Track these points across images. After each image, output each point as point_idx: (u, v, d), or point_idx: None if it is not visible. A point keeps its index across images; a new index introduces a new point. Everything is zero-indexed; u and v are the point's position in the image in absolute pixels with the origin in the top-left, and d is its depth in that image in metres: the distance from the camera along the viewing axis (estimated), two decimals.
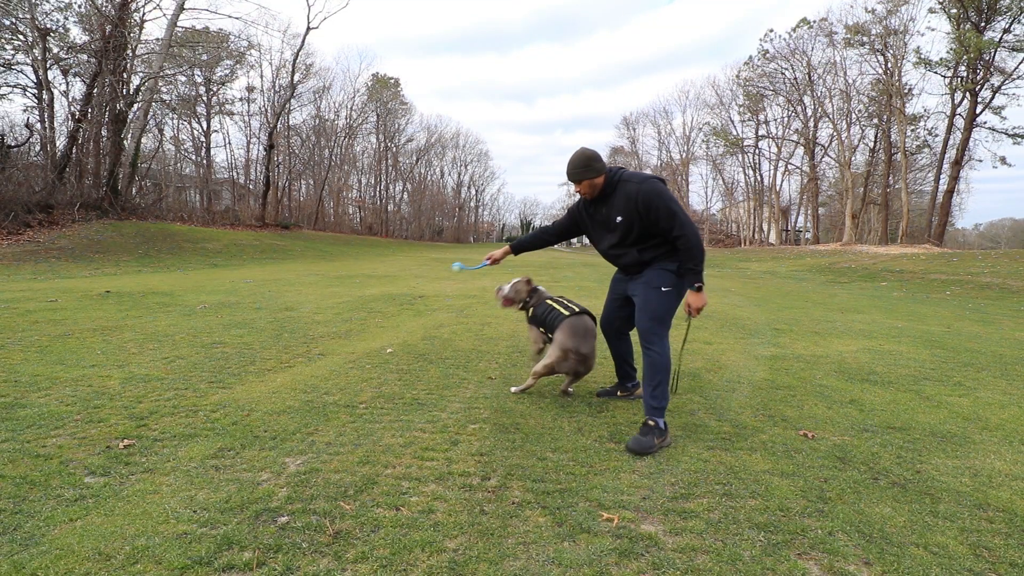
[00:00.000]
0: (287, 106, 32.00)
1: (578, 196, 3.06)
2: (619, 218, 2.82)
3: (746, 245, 42.44)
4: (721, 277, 16.53)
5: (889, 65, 30.00)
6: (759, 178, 43.70)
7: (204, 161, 33.21)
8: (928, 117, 31.27)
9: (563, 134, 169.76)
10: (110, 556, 1.67)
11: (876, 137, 34.42)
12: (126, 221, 18.67)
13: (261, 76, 40.16)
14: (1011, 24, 24.62)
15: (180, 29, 21.78)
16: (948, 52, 26.50)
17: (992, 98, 26.39)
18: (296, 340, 4.96)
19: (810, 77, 35.10)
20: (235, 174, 36.96)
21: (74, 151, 19.21)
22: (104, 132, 19.99)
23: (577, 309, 3.31)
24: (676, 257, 2.80)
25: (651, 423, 2.65)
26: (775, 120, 40.81)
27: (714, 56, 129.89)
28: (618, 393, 3.41)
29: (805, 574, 1.67)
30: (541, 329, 3.48)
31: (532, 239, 3.41)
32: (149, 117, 23.68)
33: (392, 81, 47.05)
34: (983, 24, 25.27)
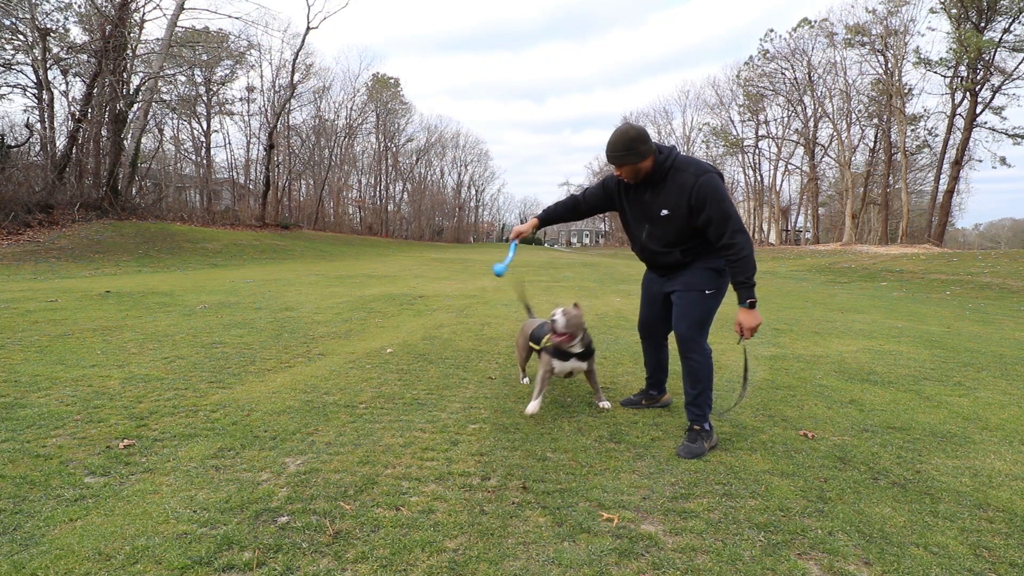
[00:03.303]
0: (287, 106, 31.99)
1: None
2: (664, 211, 2.48)
3: None
4: None
5: (889, 65, 30.02)
6: (759, 178, 43.79)
7: (204, 161, 33.20)
8: (928, 117, 31.34)
9: (572, 133, 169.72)
10: (110, 556, 1.67)
11: (876, 137, 34.45)
12: (126, 221, 18.65)
13: (261, 76, 40.42)
14: (1011, 24, 24.66)
15: (180, 29, 21.77)
16: (948, 52, 26.54)
17: (992, 98, 26.45)
18: (296, 340, 4.96)
19: (810, 77, 35.11)
20: (235, 174, 36.96)
21: (74, 151, 19.18)
22: (104, 132, 19.96)
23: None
24: (720, 254, 2.51)
25: (697, 428, 2.58)
26: (775, 120, 40.92)
27: (727, 56, 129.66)
28: (643, 403, 3.19)
29: (805, 574, 1.67)
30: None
31: (563, 210, 2.95)
32: (149, 117, 23.66)
33: (392, 81, 47.12)
34: (983, 24, 25.28)
